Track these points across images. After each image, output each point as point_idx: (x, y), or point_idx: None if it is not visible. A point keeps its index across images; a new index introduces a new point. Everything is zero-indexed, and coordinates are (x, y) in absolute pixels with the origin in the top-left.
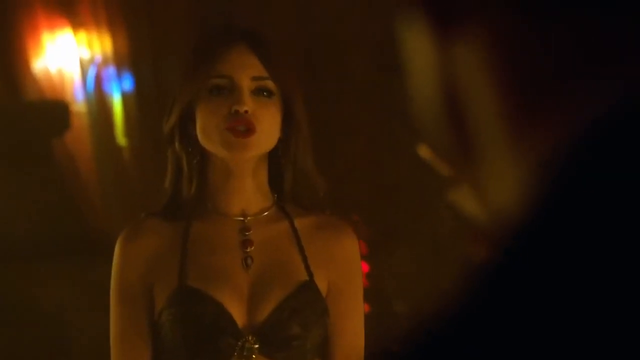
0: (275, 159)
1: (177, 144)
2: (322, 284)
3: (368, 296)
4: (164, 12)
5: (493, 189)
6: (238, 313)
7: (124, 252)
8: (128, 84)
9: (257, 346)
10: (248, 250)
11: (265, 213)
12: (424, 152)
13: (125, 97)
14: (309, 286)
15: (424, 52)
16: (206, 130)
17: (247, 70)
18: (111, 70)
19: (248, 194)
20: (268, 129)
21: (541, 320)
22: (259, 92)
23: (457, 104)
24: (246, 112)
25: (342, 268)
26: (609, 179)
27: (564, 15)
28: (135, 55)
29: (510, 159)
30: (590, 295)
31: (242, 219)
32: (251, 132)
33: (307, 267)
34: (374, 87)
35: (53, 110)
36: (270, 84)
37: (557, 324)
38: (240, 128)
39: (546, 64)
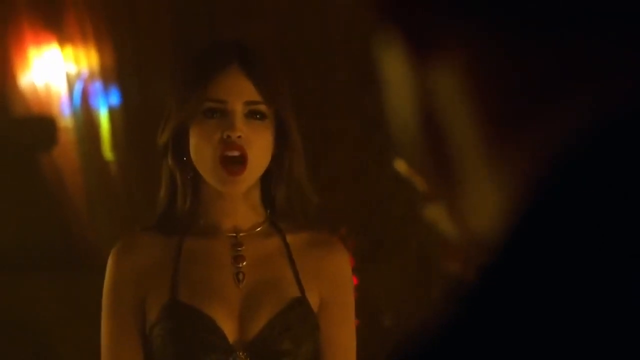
0: (268, 175)
1: (170, 160)
2: (313, 300)
3: (356, 309)
4: (149, 27)
5: (469, 206)
6: (229, 328)
7: (116, 265)
8: (115, 98)
9: None
10: (240, 266)
11: (258, 229)
12: (400, 166)
13: (112, 111)
14: (301, 302)
15: (400, 72)
16: (199, 156)
17: (241, 95)
18: (98, 85)
19: (240, 211)
20: (260, 153)
21: (523, 334)
22: (252, 115)
23: (434, 124)
24: (239, 137)
25: (334, 284)
26: (586, 197)
27: (539, 35)
28: (121, 70)
29: (487, 178)
30: (571, 308)
31: (234, 234)
32: (243, 164)
33: (299, 283)
34: (358, 99)
35: (40, 125)
36: (263, 107)
37: (540, 336)
38: (233, 154)
39: (522, 84)
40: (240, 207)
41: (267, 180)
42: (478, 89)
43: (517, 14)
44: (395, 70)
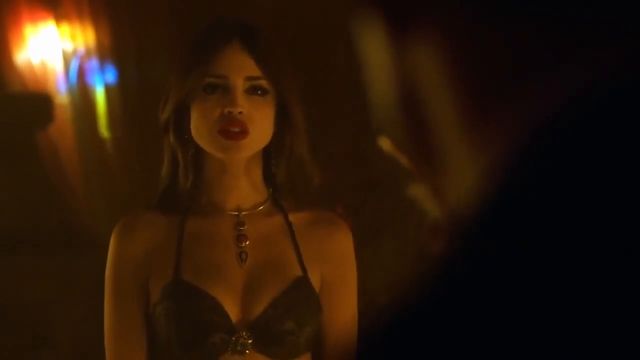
0: (270, 153)
1: (171, 137)
2: (315, 279)
3: None
4: (147, 4)
5: (451, 184)
6: (232, 308)
7: (119, 244)
8: (111, 76)
9: (250, 341)
10: (243, 245)
11: (260, 208)
12: (384, 144)
13: (108, 89)
14: (303, 282)
15: (380, 51)
16: (200, 131)
17: (241, 70)
18: (94, 62)
19: (242, 189)
20: (261, 129)
21: (505, 308)
22: (253, 91)
23: (414, 102)
24: (240, 113)
25: (336, 263)
26: (565, 175)
27: (519, 13)
28: (118, 48)
29: (468, 155)
30: (555, 284)
31: (236, 213)
32: (244, 134)
33: (301, 263)
34: (357, 79)
35: (36, 102)
36: (264, 83)
37: (523, 310)
38: (234, 129)
39: (502, 62)
40: (242, 184)
41: (268, 158)
42: (460, 67)
43: None
44: (376, 49)
